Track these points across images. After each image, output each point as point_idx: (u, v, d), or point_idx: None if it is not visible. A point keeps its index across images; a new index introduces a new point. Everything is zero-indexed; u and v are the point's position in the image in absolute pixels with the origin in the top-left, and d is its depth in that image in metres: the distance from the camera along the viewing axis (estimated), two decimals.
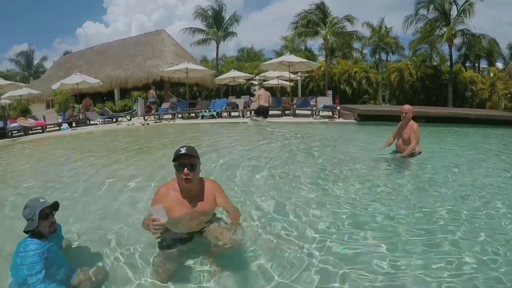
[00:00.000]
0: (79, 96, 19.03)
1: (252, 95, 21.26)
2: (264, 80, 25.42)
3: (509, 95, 26.48)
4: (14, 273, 2.36)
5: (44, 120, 16.40)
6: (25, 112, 21.46)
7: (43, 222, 2.45)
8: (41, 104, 27.60)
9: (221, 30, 33.63)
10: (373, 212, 3.76)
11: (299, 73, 24.46)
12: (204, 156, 6.29)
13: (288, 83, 22.44)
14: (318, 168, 5.94)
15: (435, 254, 2.84)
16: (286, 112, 16.39)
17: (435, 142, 8.18)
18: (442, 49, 30.51)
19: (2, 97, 20.17)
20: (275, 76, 22.66)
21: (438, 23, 26.02)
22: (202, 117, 16.99)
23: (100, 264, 2.85)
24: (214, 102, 19.27)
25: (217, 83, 27.33)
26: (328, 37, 27.00)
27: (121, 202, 4.45)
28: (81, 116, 17.83)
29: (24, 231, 2.46)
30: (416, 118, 6.22)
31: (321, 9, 27.52)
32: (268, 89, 20.23)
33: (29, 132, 14.76)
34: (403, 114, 6.08)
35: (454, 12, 25.42)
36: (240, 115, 17.04)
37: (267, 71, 22.59)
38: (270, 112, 14.75)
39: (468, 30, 25.71)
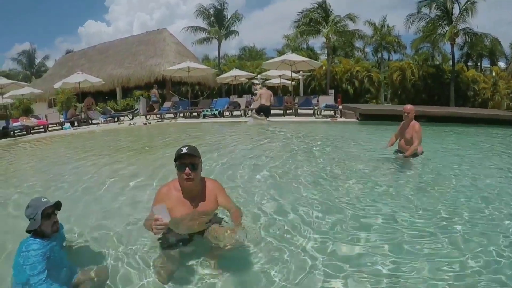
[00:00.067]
0: (81, 95, 19.06)
1: (254, 94, 21.26)
2: (266, 79, 25.42)
3: (511, 95, 26.41)
4: (16, 273, 2.35)
5: (46, 119, 16.43)
6: (27, 112, 21.47)
7: (45, 222, 2.45)
8: (43, 103, 27.69)
9: (223, 29, 33.66)
10: (376, 213, 3.74)
11: (301, 72, 24.45)
12: (205, 155, 6.28)
13: (290, 82, 22.48)
14: (320, 168, 5.92)
15: (438, 256, 2.82)
16: (288, 111, 16.39)
17: (437, 142, 8.16)
18: (444, 48, 30.43)
19: (4, 96, 20.21)
20: (277, 75, 22.66)
21: (440, 22, 25.98)
22: (204, 116, 16.99)
23: (101, 264, 2.85)
24: (216, 101, 19.25)
25: (219, 82, 27.33)
26: (330, 35, 26.95)
27: (123, 202, 4.46)
28: (83, 115, 17.84)
29: (26, 231, 2.46)
30: (418, 117, 6.19)
31: (323, 8, 27.46)
32: (270, 88, 20.30)
33: (31, 131, 14.79)
34: (405, 114, 6.06)
35: (456, 11, 25.42)
36: (242, 114, 17.03)
37: (269, 70, 22.59)
38: (272, 112, 14.73)
39: (470, 29, 25.69)
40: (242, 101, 18.70)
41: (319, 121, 13.86)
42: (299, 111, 16.22)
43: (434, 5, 25.71)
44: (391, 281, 2.51)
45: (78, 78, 18.46)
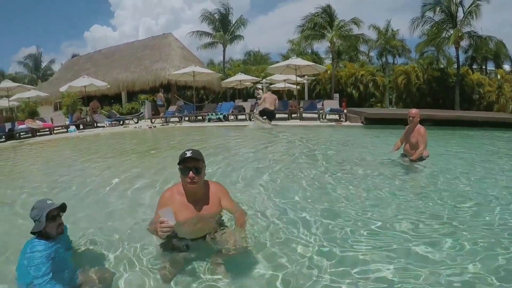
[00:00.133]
0: (87, 98, 19.17)
1: (258, 99, 21.24)
2: (271, 84, 25.43)
3: None
4: (20, 274, 2.36)
5: (52, 122, 16.54)
6: (33, 114, 21.60)
7: (50, 224, 2.45)
8: (49, 106, 27.84)
9: (227, 34, 33.75)
10: (381, 217, 3.68)
11: (306, 76, 24.45)
12: (209, 159, 6.29)
13: (294, 86, 22.43)
14: (324, 172, 5.89)
15: (445, 263, 2.73)
16: (293, 115, 16.39)
17: (442, 145, 8.11)
18: (449, 51, 30.43)
19: (10, 99, 20.39)
20: (282, 80, 22.67)
21: (444, 25, 25.95)
22: (209, 120, 17.04)
23: (105, 265, 2.85)
24: (221, 105, 19.29)
25: (224, 86, 27.39)
26: (335, 40, 26.93)
27: (127, 204, 4.46)
28: (88, 119, 17.94)
29: (31, 232, 2.46)
30: (423, 121, 6.17)
31: (328, 12, 27.48)
32: (275, 92, 20.27)
33: (37, 134, 14.88)
34: (410, 118, 6.04)
35: (460, 14, 25.38)
36: (247, 119, 17.04)
37: (273, 74, 22.63)
38: (277, 116, 14.72)
39: (475, 32, 25.61)
40: (247, 105, 18.72)
41: (324, 125, 13.85)
42: (304, 115, 16.23)
43: (438, 8, 25.69)
44: None
45: (84, 82, 18.58)
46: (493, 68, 35.94)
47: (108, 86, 21.13)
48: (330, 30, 26.88)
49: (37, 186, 5.66)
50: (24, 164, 8.77)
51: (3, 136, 14.04)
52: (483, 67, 37.34)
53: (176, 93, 25.61)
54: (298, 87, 23.01)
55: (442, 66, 30.67)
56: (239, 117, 17.97)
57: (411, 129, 6.05)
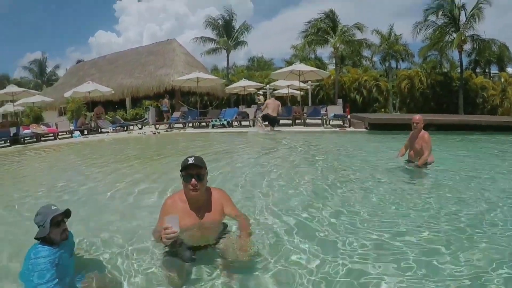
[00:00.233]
0: (91, 104, 19.29)
1: (259, 105, 21.23)
2: (275, 89, 25.46)
3: None
4: (23, 280, 2.35)
5: (56, 127, 16.66)
6: (37, 119, 21.79)
7: (54, 230, 2.44)
8: (53, 111, 28.04)
9: (231, 39, 33.85)
10: (385, 226, 3.59)
11: (309, 82, 24.47)
12: (211, 164, 6.29)
13: (298, 92, 22.44)
14: (328, 178, 5.85)
15: (451, 274, 2.61)
16: (296, 121, 16.39)
17: (445, 150, 8.04)
18: (452, 55, 30.40)
19: (15, 104, 20.53)
20: (285, 85, 22.70)
21: (447, 29, 25.90)
22: (213, 126, 17.06)
23: (107, 272, 2.82)
24: (225, 111, 19.32)
25: (227, 92, 27.47)
26: (338, 45, 26.93)
27: (130, 210, 4.45)
28: (92, 124, 18.04)
29: (35, 238, 2.46)
30: (427, 126, 6.16)
31: (331, 18, 27.52)
32: (278, 98, 20.33)
33: (41, 139, 15.00)
34: (414, 124, 6.01)
35: (463, 17, 25.34)
36: (251, 125, 17.06)
37: (277, 80, 22.63)
38: (281, 121, 14.70)
39: (478, 36, 25.57)
40: (250, 111, 18.72)
41: (327, 131, 13.84)
42: (308, 121, 16.22)
43: (440, 12, 25.66)
44: None
45: (89, 87, 18.71)
46: (497, 71, 35.91)
47: (113, 91, 21.26)
48: (333, 35, 26.91)
49: (41, 190, 5.68)
50: (28, 168, 8.83)
51: (8, 141, 14.15)
52: (487, 70, 37.29)
53: (180, 99, 25.70)
54: (302, 92, 23.04)
55: (445, 70, 30.68)
56: (243, 123, 17.98)
57: (415, 135, 6.03)
